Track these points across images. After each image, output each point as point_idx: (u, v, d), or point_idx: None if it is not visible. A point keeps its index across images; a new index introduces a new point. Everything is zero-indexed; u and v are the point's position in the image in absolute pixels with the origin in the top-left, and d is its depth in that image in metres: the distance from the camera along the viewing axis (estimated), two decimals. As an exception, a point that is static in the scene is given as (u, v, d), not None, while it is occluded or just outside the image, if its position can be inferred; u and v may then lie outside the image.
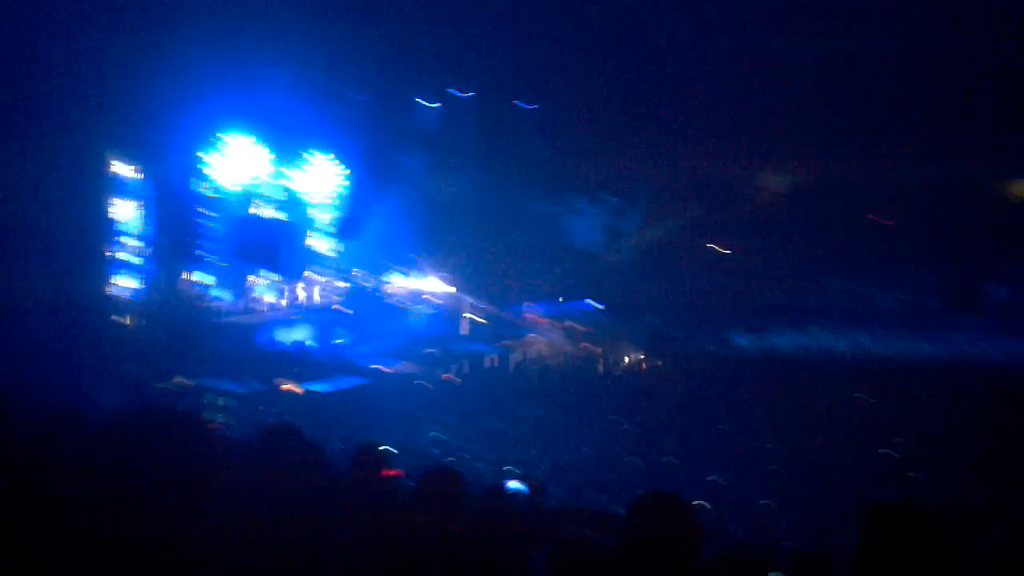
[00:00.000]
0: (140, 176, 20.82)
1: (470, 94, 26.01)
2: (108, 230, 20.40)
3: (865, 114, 22.92)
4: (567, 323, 25.65)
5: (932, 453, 13.80)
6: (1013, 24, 18.87)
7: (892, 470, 12.79)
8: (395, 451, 10.78)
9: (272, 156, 23.06)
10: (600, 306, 26.22)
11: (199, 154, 22.16)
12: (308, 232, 24.59)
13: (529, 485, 6.95)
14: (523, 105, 26.66)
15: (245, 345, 20.42)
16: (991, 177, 23.86)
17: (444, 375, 19.78)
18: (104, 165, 19.80)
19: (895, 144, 22.93)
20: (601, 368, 21.01)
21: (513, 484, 8.48)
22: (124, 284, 20.81)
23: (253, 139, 22.50)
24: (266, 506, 4.41)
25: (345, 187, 23.87)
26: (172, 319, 20.95)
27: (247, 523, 4.29)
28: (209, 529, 4.17)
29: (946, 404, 17.14)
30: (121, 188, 20.57)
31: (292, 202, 23.72)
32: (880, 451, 13.66)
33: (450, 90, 25.91)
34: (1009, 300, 23.29)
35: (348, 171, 23.70)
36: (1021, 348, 21.63)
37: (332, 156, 23.77)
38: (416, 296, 25.41)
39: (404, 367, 20.47)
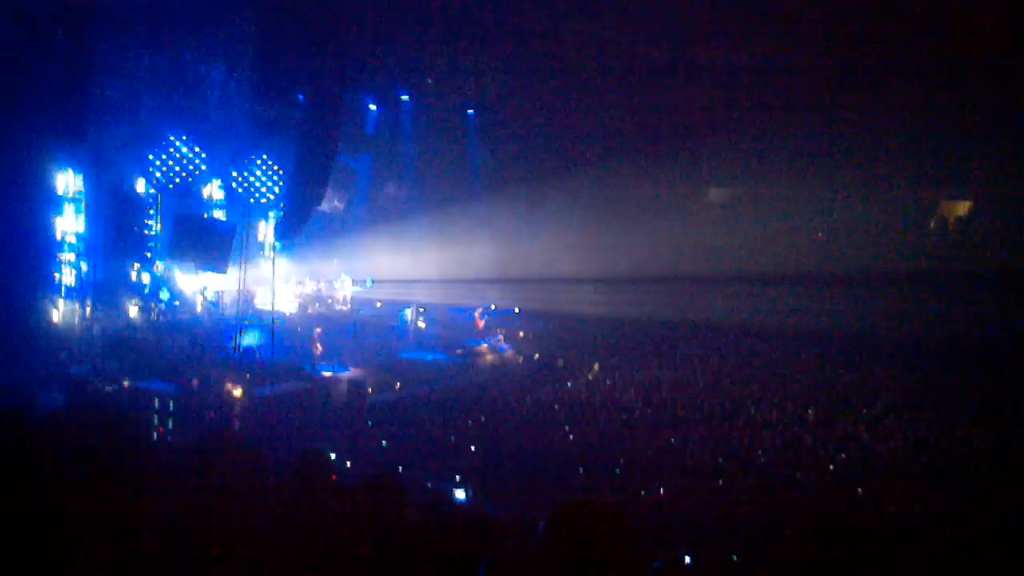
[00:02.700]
0: (81, 177, 20.50)
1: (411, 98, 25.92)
2: (50, 231, 20.05)
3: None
4: (521, 332, 25.61)
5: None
6: None
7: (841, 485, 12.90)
8: (340, 457, 10.68)
9: (211, 156, 22.82)
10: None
11: (140, 155, 21.94)
12: (251, 233, 24.33)
13: (473, 494, 6.93)
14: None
15: (190, 348, 20.12)
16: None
17: (394, 382, 19.65)
18: (45, 165, 19.49)
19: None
20: (555, 377, 20.97)
21: (458, 493, 8.46)
22: (67, 284, 20.45)
23: (194, 140, 22.35)
24: (203, 508, 4.31)
25: (286, 189, 23.60)
26: (115, 320, 20.64)
27: (183, 526, 4.19)
28: (147, 530, 4.08)
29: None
30: (63, 189, 20.25)
31: (231, 203, 23.45)
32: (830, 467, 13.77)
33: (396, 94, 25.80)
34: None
35: (289, 173, 23.44)
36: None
37: (267, 158, 23.52)
38: (365, 302, 25.20)
39: (353, 374, 20.29)
